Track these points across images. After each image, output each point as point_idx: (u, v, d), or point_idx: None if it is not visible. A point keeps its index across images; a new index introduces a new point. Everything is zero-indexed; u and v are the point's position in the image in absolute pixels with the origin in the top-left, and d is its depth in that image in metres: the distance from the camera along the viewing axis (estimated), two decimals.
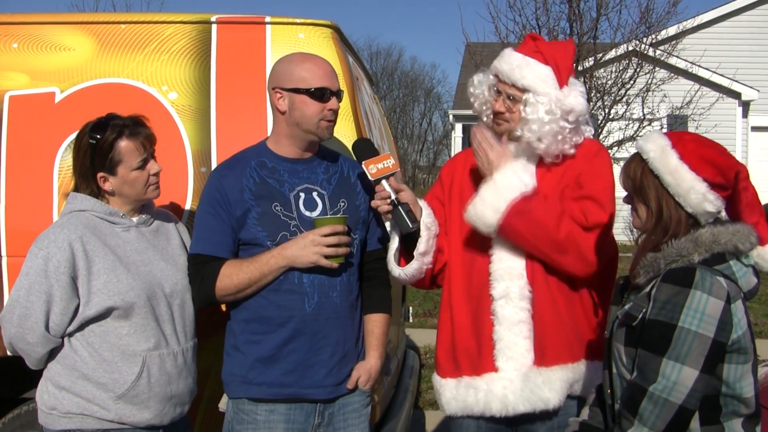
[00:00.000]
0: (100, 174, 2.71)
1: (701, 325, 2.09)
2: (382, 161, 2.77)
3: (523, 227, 2.69)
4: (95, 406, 2.66)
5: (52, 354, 2.72)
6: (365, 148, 2.85)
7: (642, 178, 2.28)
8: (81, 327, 2.66)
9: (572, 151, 2.82)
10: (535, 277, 2.77)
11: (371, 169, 2.76)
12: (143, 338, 2.70)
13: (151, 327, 2.71)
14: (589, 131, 2.92)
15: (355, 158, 2.90)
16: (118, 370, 2.67)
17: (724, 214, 2.34)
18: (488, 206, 2.72)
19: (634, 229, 2.43)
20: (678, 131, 2.43)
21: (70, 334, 2.68)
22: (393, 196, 2.76)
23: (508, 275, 2.77)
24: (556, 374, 2.72)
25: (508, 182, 2.73)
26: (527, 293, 2.76)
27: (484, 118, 2.92)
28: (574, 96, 2.78)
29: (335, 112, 2.80)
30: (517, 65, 2.81)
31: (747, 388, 2.21)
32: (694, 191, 2.21)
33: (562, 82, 2.80)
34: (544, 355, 2.74)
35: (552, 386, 2.71)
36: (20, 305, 2.63)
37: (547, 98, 2.76)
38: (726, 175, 2.24)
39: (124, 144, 2.68)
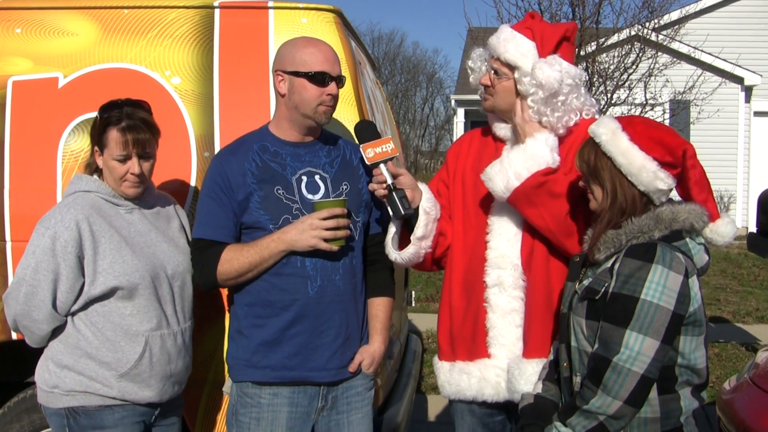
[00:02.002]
0: (95, 147, 2.80)
1: (662, 297, 2.19)
2: (381, 145, 2.76)
3: (538, 199, 2.61)
4: (98, 383, 2.72)
5: (54, 333, 2.76)
6: (367, 131, 2.83)
7: (596, 160, 2.36)
8: (85, 306, 2.72)
9: (562, 131, 2.73)
10: (532, 265, 2.74)
11: (368, 153, 2.74)
12: (146, 318, 2.75)
13: (154, 307, 2.77)
14: (587, 112, 2.79)
15: (356, 141, 2.90)
16: (121, 349, 2.73)
17: (677, 195, 2.43)
18: (512, 170, 2.62)
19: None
20: (628, 116, 2.49)
21: (74, 314, 2.73)
22: (390, 181, 2.74)
23: (501, 264, 2.76)
24: (535, 368, 2.69)
25: (538, 152, 2.64)
26: (521, 282, 2.75)
27: (478, 93, 2.89)
28: (540, 69, 2.66)
29: (334, 98, 2.79)
30: (503, 39, 2.77)
31: (700, 359, 2.32)
32: (645, 170, 2.30)
33: (542, 56, 2.71)
34: (527, 347, 2.74)
35: (528, 379, 2.68)
36: (27, 283, 2.67)
37: (527, 73, 2.69)
38: (674, 153, 2.33)
39: (112, 133, 2.73)
